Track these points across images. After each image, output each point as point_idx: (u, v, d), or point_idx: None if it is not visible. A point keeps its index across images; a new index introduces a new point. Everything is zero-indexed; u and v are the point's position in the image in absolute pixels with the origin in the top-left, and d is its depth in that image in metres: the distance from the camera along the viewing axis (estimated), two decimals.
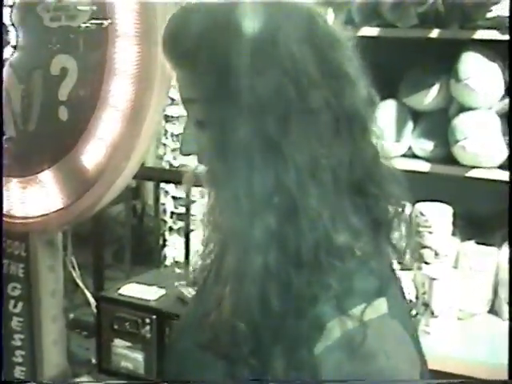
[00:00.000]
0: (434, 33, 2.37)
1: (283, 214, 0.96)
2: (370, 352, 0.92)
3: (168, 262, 3.81)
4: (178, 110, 3.70)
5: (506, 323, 2.32)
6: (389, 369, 0.93)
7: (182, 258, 3.29)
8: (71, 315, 3.47)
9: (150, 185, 3.90)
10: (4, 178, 2.21)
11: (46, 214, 2.15)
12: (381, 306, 0.96)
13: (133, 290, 2.51)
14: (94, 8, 1.93)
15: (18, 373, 2.53)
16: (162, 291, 2.49)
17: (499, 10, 2.28)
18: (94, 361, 3.12)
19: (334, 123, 0.97)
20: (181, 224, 3.71)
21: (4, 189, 2.16)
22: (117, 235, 3.96)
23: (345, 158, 0.98)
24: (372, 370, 0.92)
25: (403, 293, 1.09)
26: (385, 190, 1.03)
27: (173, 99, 3.69)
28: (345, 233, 0.96)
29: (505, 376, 1.70)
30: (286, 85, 0.94)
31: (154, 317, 2.30)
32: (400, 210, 1.06)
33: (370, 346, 0.92)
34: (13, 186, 2.21)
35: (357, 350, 0.91)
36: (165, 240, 3.87)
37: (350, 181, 0.99)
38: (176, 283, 2.47)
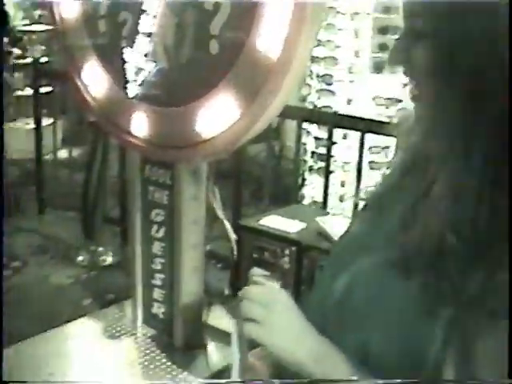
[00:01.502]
0: None
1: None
2: None
3: (306, 202, 3.84)
4: (324, 51, 3.69)
5: None
6: None
7: (320, 199, 3.32)
8: (207, 247, 3.58)
9: (290, 125, 3.91)
10: (154, 108, 2.28)
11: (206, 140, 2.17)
12: None
13: (273, 222, 2.55)
14: None
15: (157, 295, 2.62)
16: (303, 224, 2.51)
17: None
18: (226, 292, 3.22)
19: None
20: (321, 164, 3.72)
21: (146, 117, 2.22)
22: (256, 174, 4.03)
23: None
24: None
25: None
26: None
27: (319, 40, 3.67)
28: None
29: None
30: None
31: (294, 248, 2.32)
32: None
33: None
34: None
35: None
36: (304, 179, 3.90)
37: None
38: (317, 218, 2.47)
